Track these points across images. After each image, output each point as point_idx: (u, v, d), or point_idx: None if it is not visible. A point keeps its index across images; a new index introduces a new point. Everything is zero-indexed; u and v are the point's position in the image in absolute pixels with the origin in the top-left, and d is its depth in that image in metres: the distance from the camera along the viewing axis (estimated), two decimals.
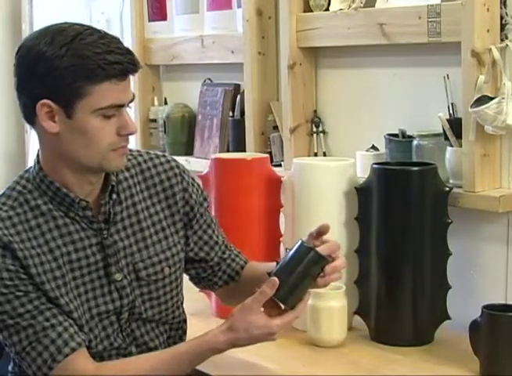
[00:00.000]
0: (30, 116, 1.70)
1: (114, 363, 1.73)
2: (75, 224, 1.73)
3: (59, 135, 1.67)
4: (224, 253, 1.95)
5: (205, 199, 1.92)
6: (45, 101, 1.64)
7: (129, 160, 1.82)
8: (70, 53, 1.62)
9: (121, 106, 1.67)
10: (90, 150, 1.67)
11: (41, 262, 1.68)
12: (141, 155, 1.87)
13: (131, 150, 1.84)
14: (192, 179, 1.91)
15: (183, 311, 1.91)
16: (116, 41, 1.66)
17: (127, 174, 1.82)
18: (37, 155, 1.77)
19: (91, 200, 1.75)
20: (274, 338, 1.72)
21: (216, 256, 1.94)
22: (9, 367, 1.84)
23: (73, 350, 1.66)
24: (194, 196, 1.88)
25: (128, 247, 1.78)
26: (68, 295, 1.70)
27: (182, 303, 1.91)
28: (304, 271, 1.69)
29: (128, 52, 1.66)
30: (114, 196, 1.77)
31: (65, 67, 1.62)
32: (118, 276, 1.76)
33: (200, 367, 1.94)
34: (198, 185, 1.92)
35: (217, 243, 1.94)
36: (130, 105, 1.71)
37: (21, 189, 1.74)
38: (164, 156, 1.89)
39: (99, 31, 1.67)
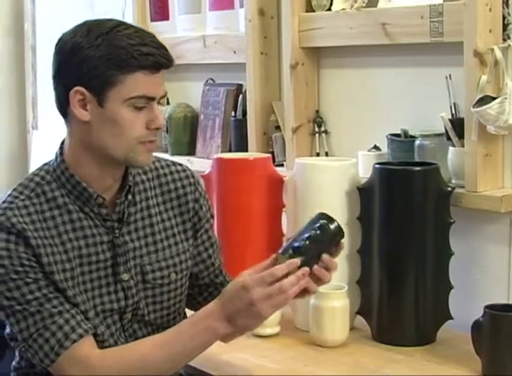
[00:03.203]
0: (63, 105, 1.71)
1: (117, 348, 1.74)
2: (89, 220, 1.75)
3: (89, 123, 1.69)
4: (217, 277, 1.94)
5: (212, 216, 1.94)
6: (78, 88, 1.67)
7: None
8: (105, 43, 1.65)
9: (152, 99, 1.69)
10: (119, 140, 1.68)
11: (53, 252, 1.70)
12: (159, 161, 1.89)
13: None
14: (204, 193, 1.92)
15: (185, 317, 1.90)
16: (151, 35, 1.70)
17: (144, 177, 1.83)
18: (61, 148, 1.78)
19: (108, 198, 1.77)
20: (260, 311, 1.62)
21: (208, 277, 1.93)
22: (13, 363, 1.85)
23: (81, 336, 1.68)
24: (204, 208, 1.90)
25: (137, 248, 1.79)
26: (75, 289, 1.72)
27: (184, 309, 1.91)
28: (309, 224, 1.68)
29: (162, 46, 1.70)
30: (130, 197, 1.79)
31: (99, 56, 1.65)
32: (125, 277, 1.77)
33: (201, 367, 1.95)
34: (207, 200, 1.93)
35: (213, 265, 1.93)
36: (162, 101, 1.74)
37: (39, 180, 1.76)
38: (180, 165, 1.91)
39: (134, 27, 1.71)
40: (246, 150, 2.76)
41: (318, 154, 2.61)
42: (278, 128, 2.74)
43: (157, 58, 1.67)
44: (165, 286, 1.82)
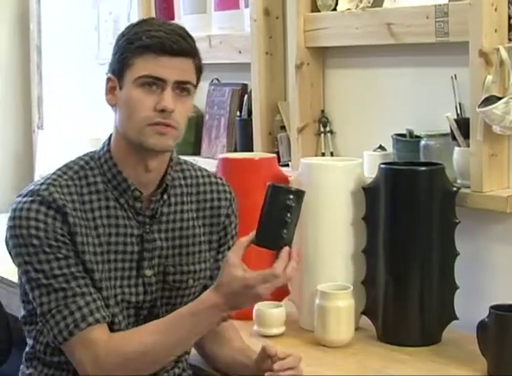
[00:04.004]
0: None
1: (123, 332, 1.77)
2: (123, 211, 1.80)
3: (116, 108, 1.78)
4: None
5: (236, 234, 1.96)
6: (109, 75, 1.79)
7: (188, 170, 1.91)
8: (131, 32, 1.76)
9: (162, 80, 1.72)
10: (130, 121, 1.74)
11: (86, 234, 1.75)
12: (200, 170, 1.94)
13: (193, 165, 1.93)
14: (236, 211, 1.96)
15: None
16: (174, 26, 1.77)
17: (182, 182, 1.88)
18: (109, 138, 1.84)
19: (145, 194, 1.81)
20: (260, 297, 1.67)
21: None
22: (26, 349, 1.87)
23: (97, 322, 1.71)
24: (232, 226, 1.94)
25: (164, 248, 1.83)
26: (101, 274, 1.76)
27: None
28: (271, 204, 1.68)
29: (179, 34, 1.74)
30: (165, 196, 1.83)
31: (124, 43, 1.76)
32: (148, 272, 1.81)
33: (207, 367, 1.95)
34: (237, 218, 1.96)
35: None
36: (186, 88, 1.76)
37: (83, 165, 1.81)
38: (221, 178, 1.96)
39: (168, 21, 1.81)
40: (252, 150, 2.76)
41: (323, 154, 2.61)
42: (283, 128, 2.74)
43: (163, 40, 1.72)
44: (181, 290, 1.86)
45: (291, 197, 1.68)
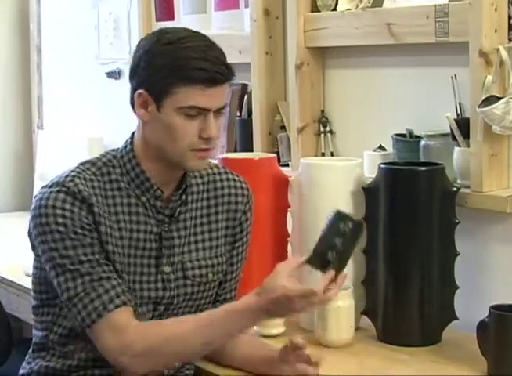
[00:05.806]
0: (132, 102, 1.81)
1: (153, 323, 1.80)
2: (143, 209, 1.83)
3: (149, 123, 1.79)
4: (223, 294, 1.97)
5: (249, 232, 1.99)
6: (141, 91, 1.77)
7: (205, 169, 1.92)
8: (169, 52, 1.74)
9: (206, 110, 1.75)
10: (172, 145, 1.77)
11: (110, 226, 1.79)
12: (218, 167, 1.97)
13: (209, 162, 1.93)
14: (252, 210, 1.99)
15: None
16: (215, 50, 1.76)
17: (199, 180, 1.92)
18: (131, 137, 1.86)
19: (166, 194, 1.85)
20: (294, 311, 1.70)
21: (219, 289, 1.96)
22: (34, 340, 1.89)
23: (124, 304, 1.75)
24: (248, 222, 1.98)
25: (182, 245, 1.87)
26: (121, 266, 1.80)
27: None
28: (327, 227, 1.71)
29: (223, 63, 1.75)
30: (184, 197, 1.87)
31: (162, 64, 1.74)
32: (167, 269, 1.85)
33: (206, 367, 1.95)
34: (252, 217, 1.99)
35: (230, 281, 1.98)
36: (222, 111, 1.79)
37: (106, 162, 1.85)
38: (238, 176, 1.98)
39: (204, 38, 1.78)
40: (252, 150, 2.76)
41: (323, 154, 2.61)
42: (283, 128, 2.74)
43: (212, 74, 1.73)
44: (202, 285, 1.89)
45: (348, 224, 1.71)
